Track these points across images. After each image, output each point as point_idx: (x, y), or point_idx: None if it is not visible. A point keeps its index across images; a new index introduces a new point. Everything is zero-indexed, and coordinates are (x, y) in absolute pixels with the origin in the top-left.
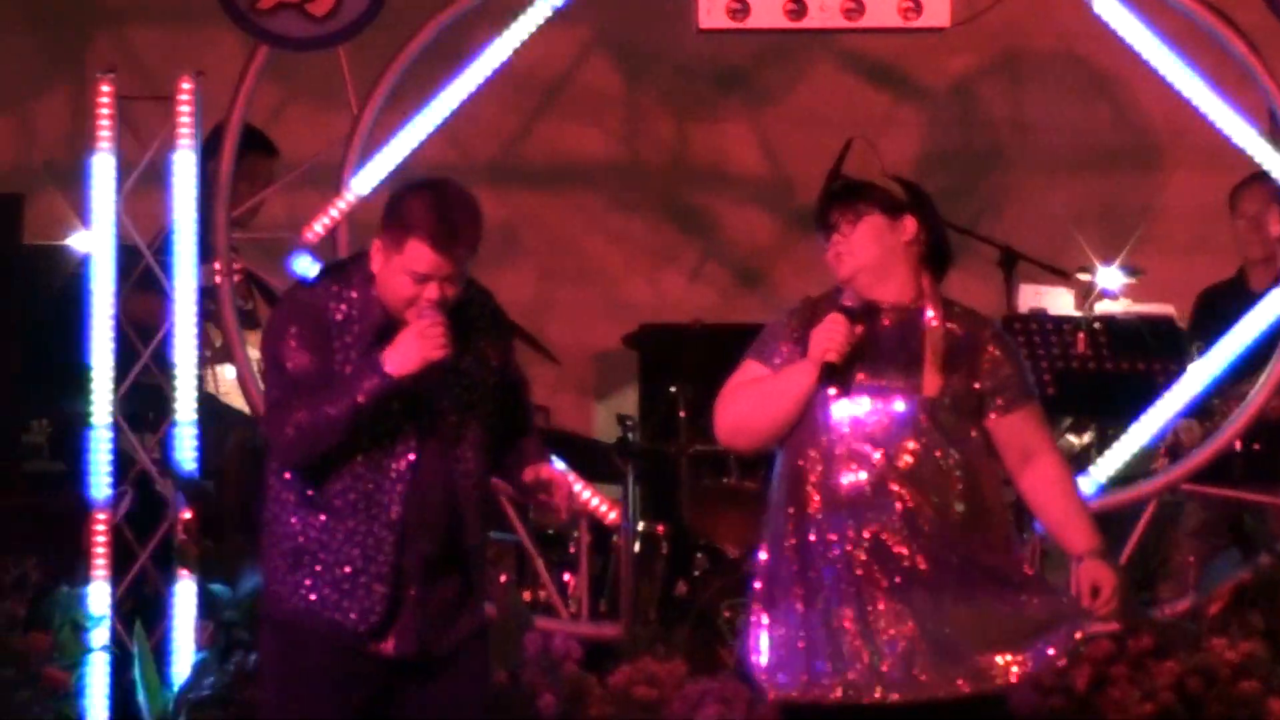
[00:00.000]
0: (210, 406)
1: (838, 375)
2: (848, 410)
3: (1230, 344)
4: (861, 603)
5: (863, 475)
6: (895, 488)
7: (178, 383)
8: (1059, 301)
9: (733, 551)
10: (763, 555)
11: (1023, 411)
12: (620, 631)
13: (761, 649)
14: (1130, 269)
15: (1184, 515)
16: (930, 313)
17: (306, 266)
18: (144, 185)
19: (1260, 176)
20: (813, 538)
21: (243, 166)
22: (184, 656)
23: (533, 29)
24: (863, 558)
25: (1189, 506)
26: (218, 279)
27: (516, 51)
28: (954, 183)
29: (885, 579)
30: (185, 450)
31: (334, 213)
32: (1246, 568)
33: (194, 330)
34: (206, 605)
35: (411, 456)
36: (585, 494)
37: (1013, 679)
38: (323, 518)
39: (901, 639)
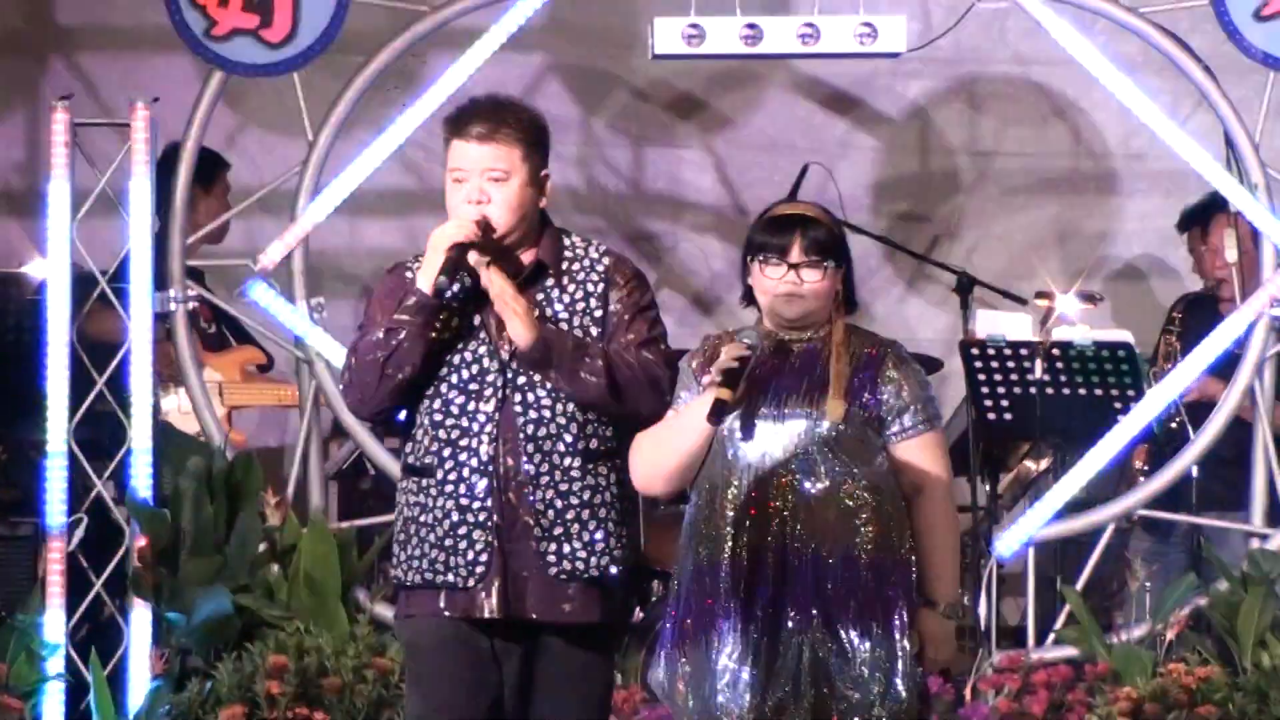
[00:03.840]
0: (166, 433)
1: (728, 410)
2: (755, 444)
3: (1189, 368)
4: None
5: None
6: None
7: (133, 410)
8: (1016, 327)
9: None
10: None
11: (917, 441)
12: None
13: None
14: (1087, 295)
15: (1134, 539)
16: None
17: (262, 294)
18: (99, 212)
19: (1219, 205)
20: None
21: (216, 187)
22: (139, 685)
23: (488, 55)
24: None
25: (1146, 531)
26: (173, 305)
27: (472, 77)
28: (910, 208)
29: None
30: (141, 477)
31: (289, 239)
32: (1203, 593)
33: (149, 357)
34: (161, 633)
35: (499, 396)
36: None
37: None
38: (418, 480)
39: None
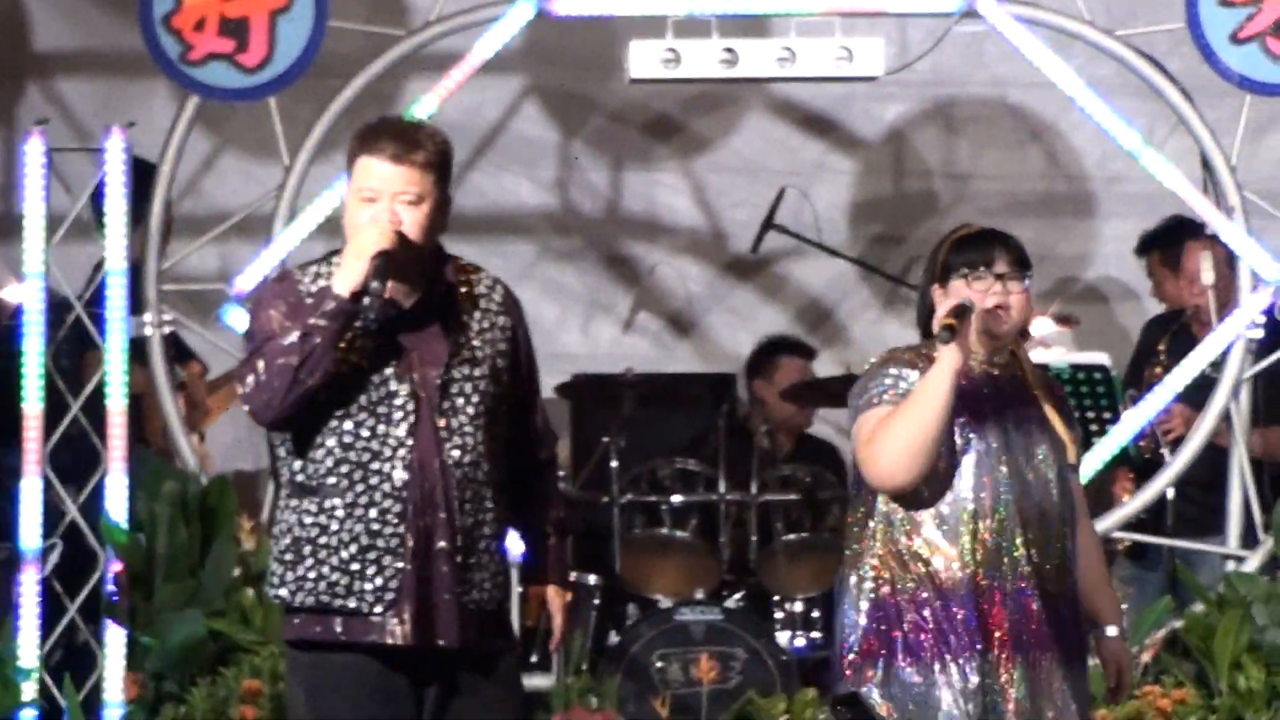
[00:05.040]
0: (141, 458)
1: (956, 330)
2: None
3: (1166, 389)
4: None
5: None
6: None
7: (109, 434)
8: None
9: (665, 601)
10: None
11: (1078, 471)
12: (552, 682)
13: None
14: (1064, 316)
15: (1115, 564)
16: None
17: (239, 318)
18: (75, 236)
19: (1187, 229)
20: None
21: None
22: (113, 710)
23: (465, 78)
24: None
25: (1120, 558)
26: (149, 330)
27: (449, 101)
28: (887, 231)
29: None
30: (115, 502)
31: (265, 264)
32: (1179, 615)
33: (125, 381)
34: (136, 658)
35: (411, 420)
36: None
37: None
38: (317, 499)
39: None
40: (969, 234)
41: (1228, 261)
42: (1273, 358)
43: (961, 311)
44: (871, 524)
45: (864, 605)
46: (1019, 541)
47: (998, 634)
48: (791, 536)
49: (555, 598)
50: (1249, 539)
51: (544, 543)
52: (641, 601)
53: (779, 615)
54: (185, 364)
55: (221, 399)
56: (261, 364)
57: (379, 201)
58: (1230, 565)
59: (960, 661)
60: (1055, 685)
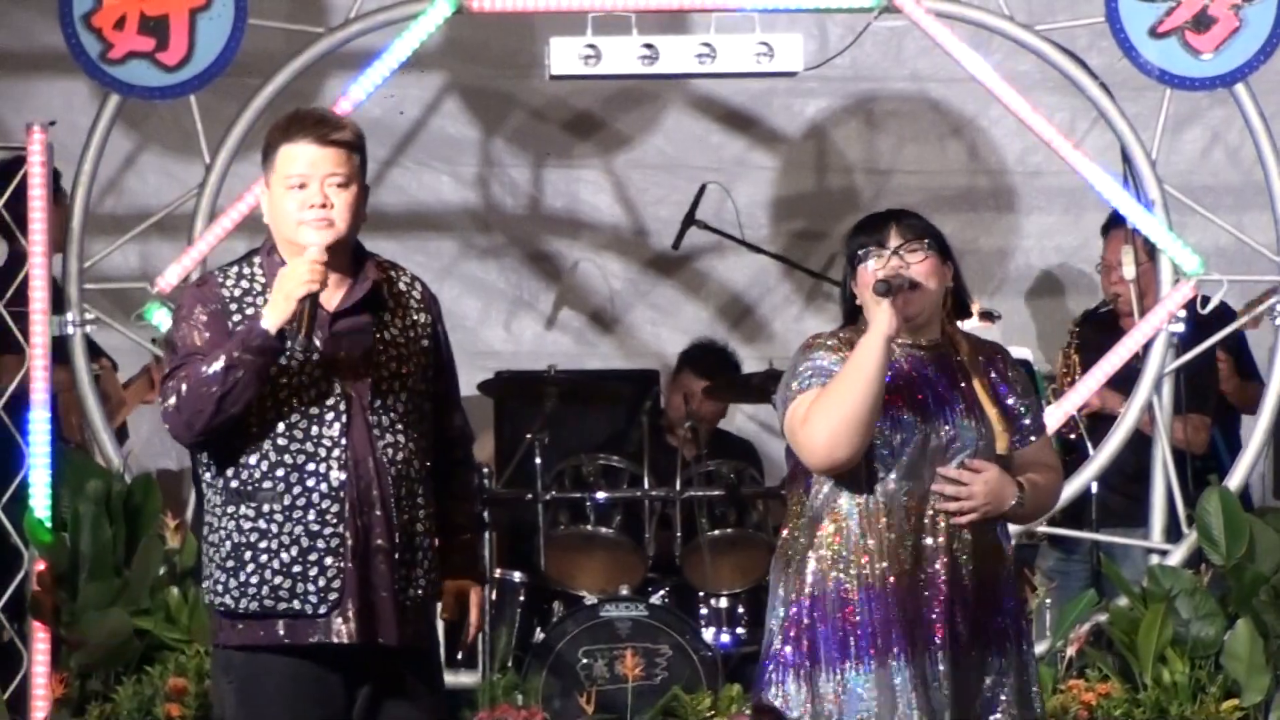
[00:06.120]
0: (64, 456)
1: (893, 288)
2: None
3: (1087, 384)
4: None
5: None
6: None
7: (31, 433)
8: None
9: (590, 597)
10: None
11: (1044, 437)
12: (477, 679)
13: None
14: (985, 312)
15: (1039, 555)
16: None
17: (161, 317)
18: None
19: (1115, 222)
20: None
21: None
22: (39, 708)
23: (385, 76)
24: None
25: (1044, 548)
26: (70, 329)
27: (370, 97)
28: (809, 227)
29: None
30: (39, 500)
31: (186, 263)
32: (1103, 609)
33: (46, 379)
34: (61, 657)
35: (343, 420)
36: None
37: None
38: (254, 505)
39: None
40: (863, 219)
41: (1149, 255)
42: (1194, 352)
43: (888, 289)
44: (801, 521)
45: (790, 604)
46: (932, 535)
47: (915, 630)
48: (716, 533)
49: (473, 593)
50: (1173, 532)
51: (460, 538)
52: (566, 598)
53: (704, 611)
54: (95, 360)
55: (134, 392)
56: (185, 388)
57: (310, 185)
58: (1154, 559)
59: (879, 660)
60: (982, 678)
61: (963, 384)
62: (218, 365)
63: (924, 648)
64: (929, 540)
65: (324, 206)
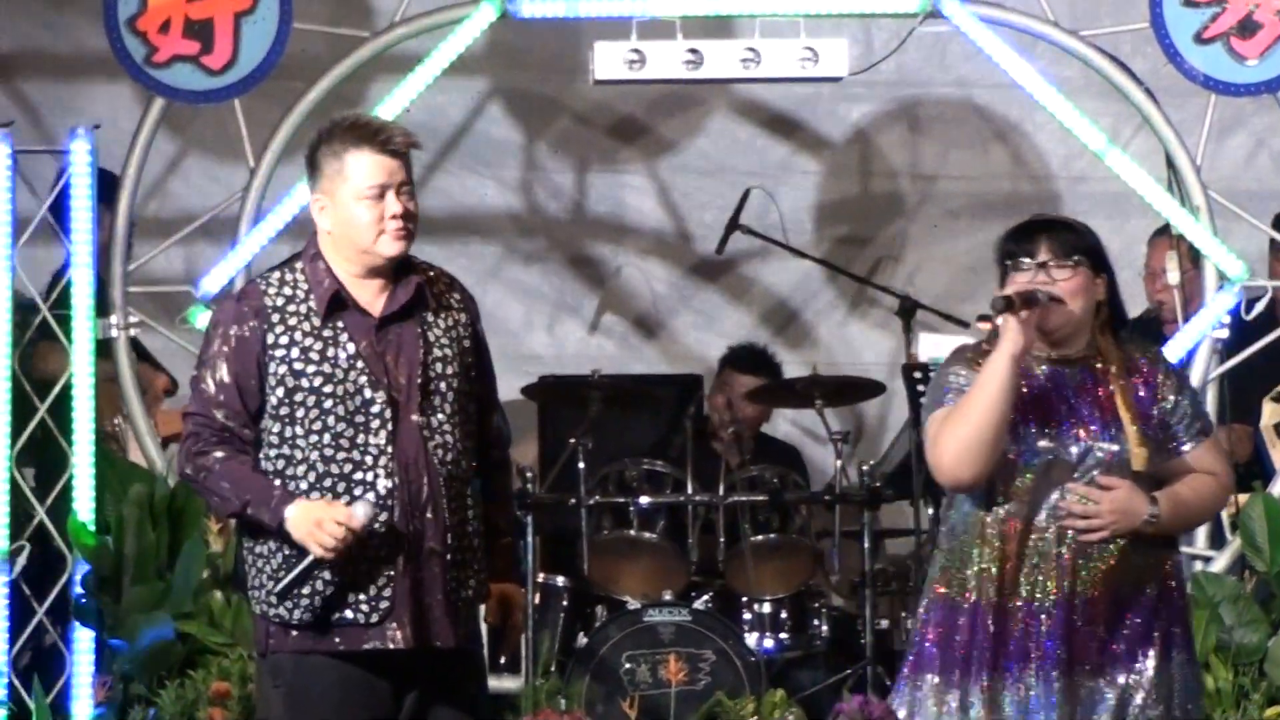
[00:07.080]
0: (108, 460)
1: (1014, 302)
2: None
3: None
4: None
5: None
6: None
7: (75, 437)
8: None
9: (633, 602)
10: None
11: (1207, 441)
12: (520, 684)
13: None
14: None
15: None
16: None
17: (204, 321)
18: (38, 239)
19: (1160, 230)
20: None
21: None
22: (82, 712)
23: (430, 80)
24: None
25: None
26: (115, 331)
27: (414, 103)
28: (852, 232)
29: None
30: (83, 504)
31: (231, 265)
32: None
33: (91, 384)
34: (104, 660)
35: (389, 428)
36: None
37: None
38: None
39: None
40: (1018, 225)
41: (1193, 261)
42: (1239, 358)
43: (1008, 304)
44: (941, 529)
45: (919, 610)
46: (1056, 553)
47: (1011, 649)
48: (759, 538)
49: (515, 595)
50: (1217, 539)
51: (501, 541)
52: (610, 603)
53: (747, 616)
54: (155, 375)
55: (170, 422)
56: (195, 473)
57: (386, 196)
58: (1198, 565)
59: (968, 677)
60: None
61: (1103, 398)
62: (231, 499)
63: (1036, 666)
64: (1050, 558)
65: (406, 216)
